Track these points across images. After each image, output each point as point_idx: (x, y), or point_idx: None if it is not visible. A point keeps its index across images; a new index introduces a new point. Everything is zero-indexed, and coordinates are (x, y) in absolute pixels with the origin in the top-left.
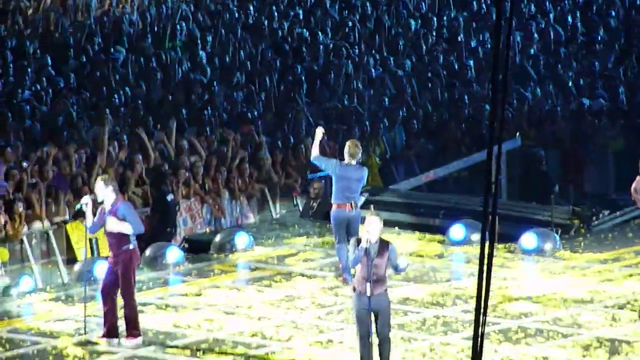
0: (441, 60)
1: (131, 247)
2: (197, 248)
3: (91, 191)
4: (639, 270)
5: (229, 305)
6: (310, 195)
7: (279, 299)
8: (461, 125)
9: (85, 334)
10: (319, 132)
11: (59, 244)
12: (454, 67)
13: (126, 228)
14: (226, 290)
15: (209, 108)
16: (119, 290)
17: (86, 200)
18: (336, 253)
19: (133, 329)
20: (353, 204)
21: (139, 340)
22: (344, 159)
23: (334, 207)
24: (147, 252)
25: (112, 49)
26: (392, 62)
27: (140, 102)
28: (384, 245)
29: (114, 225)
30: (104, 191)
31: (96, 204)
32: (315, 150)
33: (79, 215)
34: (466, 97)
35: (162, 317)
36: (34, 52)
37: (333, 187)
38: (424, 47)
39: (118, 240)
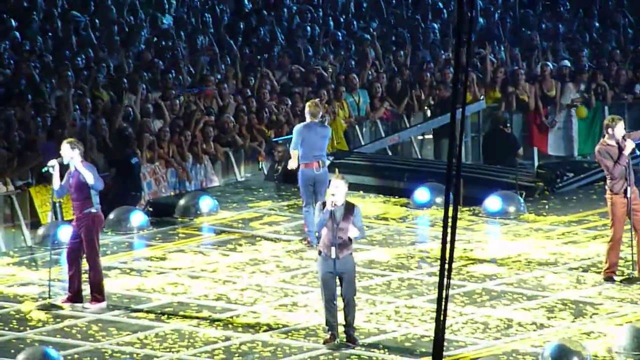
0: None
1: (94, 210)
2: (161, 212)
3: (58, 155)
4: (603, 232)
5: (193, 269)
6: (274, 158)
7: (243, 263)
8: (426, 89)
9: (49, 298)
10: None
11: (22, 208)
12: (418, 30)
13: (89, 177)
14: (191, 254)
15: (173, 72)
16: (84, 255)
17: (53, 163)
18: (303, 215)
19: (97, 293)
20: (320, 163)
21: (103, 304)
22: (307, 119)
23: (301, 166)
24: (111, 215)
25: (75, 12)
26: (356, 25)
27: (104, 65)
28: (349, 208)
29: (79, 166)
30: (70, 154)
31: (63, 167)
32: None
33: (45, 178)
34: (431, 60)
35: (126, 281)
36: None
37: (300, 149)
38: (387, 10)
39: (82, 203)
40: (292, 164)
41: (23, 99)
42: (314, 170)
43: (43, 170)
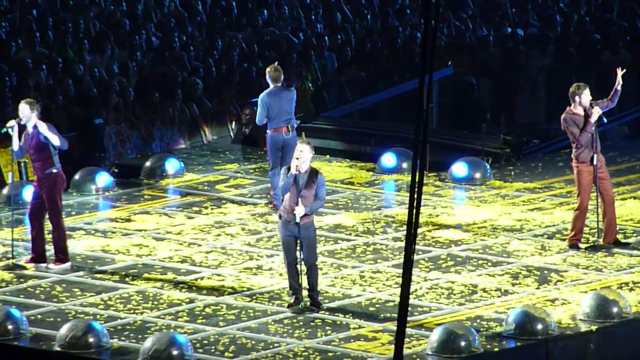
0: None
1: (55, 170)
2: (127, 173)
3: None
4: (569, 199)
5: (158, 230)
6: (242, 121)
7: (209, 225)
8: (394, 53)
9: (12, 258)
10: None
11: None
12: None
13: (54, 139)
14: (156, 215)
15: (142, 32)
16: (47, 215)
17: (12, 124)
18: (269, 179)
19: (61, 253)
20: (290, 127)
21: (67, 265)
22: (270, 85)
23: (270, 131)
24: (77, 176)
25: None
26: None
27: (70, 25)
28: (313, 175)
29: (44, 130)
30: (29, 114)
31: (22, 128)
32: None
33: (5, 139)
34: (399, 24)
35: (91, 242)
36: None
37: (260, 112)
38: None
39: (42, 164)
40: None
41: None
42: (282, 134)
43: (2, 131)
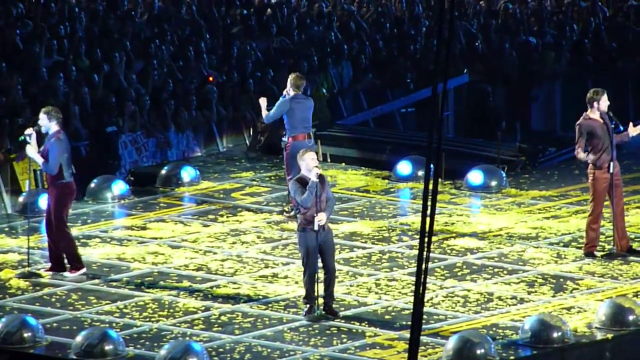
0: None
1: (64, 181)
2: (142, 181)
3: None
4: (585, 207)
5: (174, 238)
6: (257, 129)
7: (224, 233)
8: (409, 61)
9: (29, 266)
10: (262, 102)
11: (3, 175)
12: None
13: (39, 160)
14: (171, 223)
15: (156, 41)
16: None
17: (29, 132)
18: (290, 187)
19: (73, 261)
20: (311, 134)
21: (82, 270)
22: (289, 94)
23: (291, 139)
24: (92, 184)
25: None
26: None
27: (82, 34)
28: (322, 179)
29: (30, 151)
30: (47, 123)
31: (41, 136)
32: (265, 113)
33: (23, 147)
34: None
35: (106, 250)
36: None
37: (288, 121)
38: None
39: (52, 174)
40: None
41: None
42: (305, 141)
43: (20, 138)
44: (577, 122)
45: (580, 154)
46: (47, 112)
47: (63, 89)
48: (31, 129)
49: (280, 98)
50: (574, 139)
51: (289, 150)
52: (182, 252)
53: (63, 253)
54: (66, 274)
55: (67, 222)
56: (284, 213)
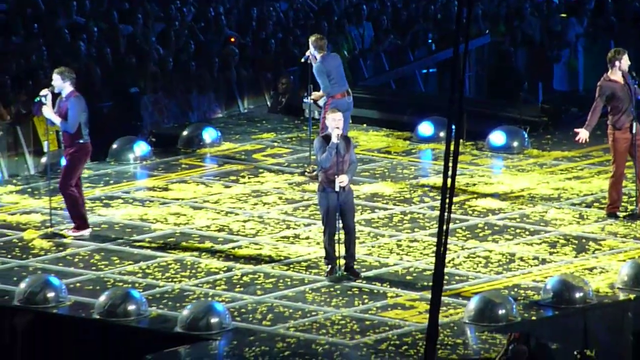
0: None
1: (81, 141)
2: (164, 142)
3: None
4: (607, 167)
5: (196, 199)
6: (278, 90)
7: (246, 194)
8: (430, 22)
9: (51, 226)
10: (316, 95)
11: (25, 136)
12: None
13: (56, 120)
14: (193, 185)
15: (177, 2)
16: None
17: (44, 92)
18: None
19: (77, 220)
20: (349, 91)
21: (85, 232)
22: (312, 56)
23: (335, 97)
24: (114, 145)
25: None
26: None
27: None
28: (347, 141)
29: (47, 112)
30: (61, 83)
31: (55, 96)
32: (318, 95)
33: (38, 107)
34: None
35: (129, 211)
36: None
37: (321, 81)
38: None
39: (70, 133)
40: (318, 98)
41: (29, 28)
42: (346, 98)
43: (35, 100)
44: (598, 83)
45: (592, 114)
46: (60, 73)
47: (85, 51)
48: (46, 89)
49: (303, 59)
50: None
51: (327, 109)
52: (204, 213)
53: (68, 210)
54: (68, 232)
55: (77, 182)
56: (306, 173)
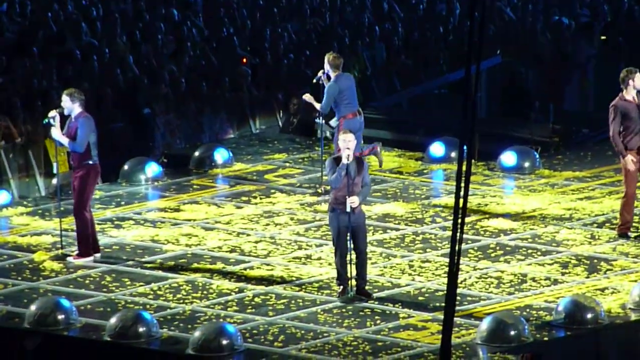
0: None
1: (90, 162)
2: (176, 163)
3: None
4: (618, 188)
5: (207, 220)
6: (290, 111)
7: (257, 215)
8: (442, 42)
9: (62, 248)
10: (309, 98)
11: (36, 158)
12: None
13: (64, 140)
14: (205, 205)
15: (188, 23)
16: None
17: (53, 114)
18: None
19: (82, 245)
20: (360, 111)
21: (89, 259)
22: (325, 75)
23: (346, 117)
24: (126, 166)
25: None
26: None
27: (117, 15)
28: (360, 163)
29: (55, 134)
30: (70, 105)
31: (63, 118)
32: (317, 105)
33: (47, 129)
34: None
35: (140, 232)
36: None
37: (325, 100)
38: None
39: (79, 155)
40: (334, 122)
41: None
42: (356, 119)
43: (44, 121)
44: (612, 103)
45: (616, 138)
46: (69, 94)
47: (96, 72)
48: (55, 111)
49: (315, 79)
50: (607, 120)
51: (341, 128)
52: (215, 233)
53: (76, 234)
54: (70, 258)
55: (89, 205)
56: (319, 192)
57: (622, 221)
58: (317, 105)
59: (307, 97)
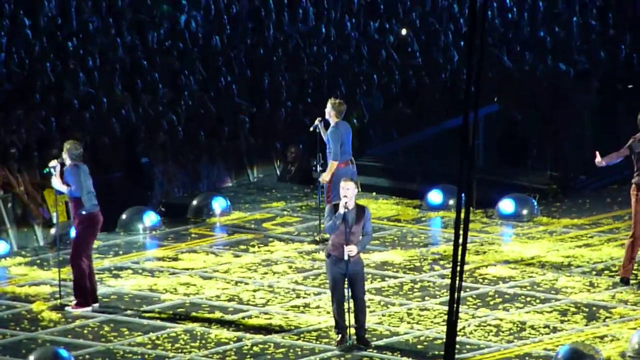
0: (419, 24)
1: (83, 212)
2: (174, 212)
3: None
4: (617, 235)
5: (205, 269)
6: (287, 159)
7: (255, 264)
8: (439, 90)
9: (60, 298)
10: (326, 177)
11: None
12: (432, 31)
13: (63, 189)
14: (203, 254)
15: (185, 72)
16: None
17: (53, 164)
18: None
19: (78, 296)
20: (353, 160)
21: (87, 309)
22: (324, 121)
23: (340, 165)
24: (124, 216)
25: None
26: (371, 26)
27: (117, 66)
28: (360, 211)
29: (56, 183)
30: (65, 157)
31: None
32: (332, 166)
33: (48, 179)
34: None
35: (138, 281)
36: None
37: (334, 147)
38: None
39: (74, 204)
40: (326, 177)
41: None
42: (349, 167)
43: (44, 171)
44: (630, 142)
45: (612, 156)
46: (67, 147)
47: (92, 121)
48: (55, 161)
49: (312, 128)
50: (605, 168)
51: (332, 178)
52: (213, 282)
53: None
54: (68, 308)
55: (88, 254)
56: (316, 241)
57: (625, 262)
58: (330, 168)
59: (324, 175)
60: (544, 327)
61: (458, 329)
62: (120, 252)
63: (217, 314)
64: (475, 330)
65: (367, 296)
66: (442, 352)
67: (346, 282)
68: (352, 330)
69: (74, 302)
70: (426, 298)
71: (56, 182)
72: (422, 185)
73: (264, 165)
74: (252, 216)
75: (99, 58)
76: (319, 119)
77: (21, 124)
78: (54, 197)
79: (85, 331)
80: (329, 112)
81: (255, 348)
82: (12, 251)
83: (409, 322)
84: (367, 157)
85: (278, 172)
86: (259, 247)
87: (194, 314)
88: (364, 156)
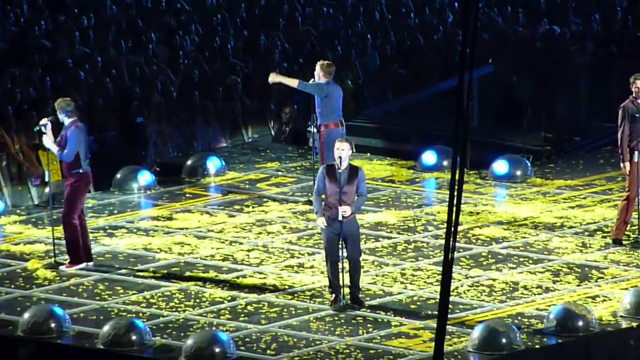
0: None
1: (80, 171)
2: (168, 172)
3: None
4: (610, 196)
5: (200, 229)
6: (282, 120)
7: (250, 224)
8: (434, 51)
9: (55, 256)
10: (275, 76)
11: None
12: None
13: (54, 149)
14: (197, 214)
15: (180, 32)
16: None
17: (44, 122)
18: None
19: (72, 254)
20: (343, 122)
21: (79, 267)
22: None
23: (328, 127)
24: (118, 175)
25: None
26: None
27: (112, 27)
28: (353, 171)
29: (47, 141)
30: (60, 116)
31: (59, 126)
32: (292, 82)
33: (40, 136)
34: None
35: (133, 240)
36: None
37: (321, 108)
38: None
39: (69, 163)
40: (275, 78)
41: (32, 59)
42: (338, 129)
43: (35, 129)
44: (622, 104)
45: (624, 142)
46: (57, 106)
47: (87, 81)
48: (46, 119)
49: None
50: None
51: (323, 139)
52: (208, 242)
53: (66, 241)
54: (62, 267)
55: (79, 213)
56: (310, 202)
57: (618, 222)
58: (289, 81)
59: (273, 76)
60: (537, 287)
61: (451, 289)
62: (115, 211)
63: (212, 274)
64: (468, 290)
65: (361, 256)
66: (435, 312)
67: (341, 242)
68: (346, 290)
69: (68, 260)
70: (420, 258)
71: (47, 141)
72: (417, 146)
73: (259, 125)
74: (246, 176)
75: (94, 17)
76: (312, 79)
77: (16, 83)
78: (50, 156)
79: (80, 289)
80: (318, 73)
81: (249, 307)
82: (6, 209)
83: (402, 282)
84: (362, 118)
85: (273, 133)
86: (253, 207)
87: (188, 273)
88: (359, 117)
